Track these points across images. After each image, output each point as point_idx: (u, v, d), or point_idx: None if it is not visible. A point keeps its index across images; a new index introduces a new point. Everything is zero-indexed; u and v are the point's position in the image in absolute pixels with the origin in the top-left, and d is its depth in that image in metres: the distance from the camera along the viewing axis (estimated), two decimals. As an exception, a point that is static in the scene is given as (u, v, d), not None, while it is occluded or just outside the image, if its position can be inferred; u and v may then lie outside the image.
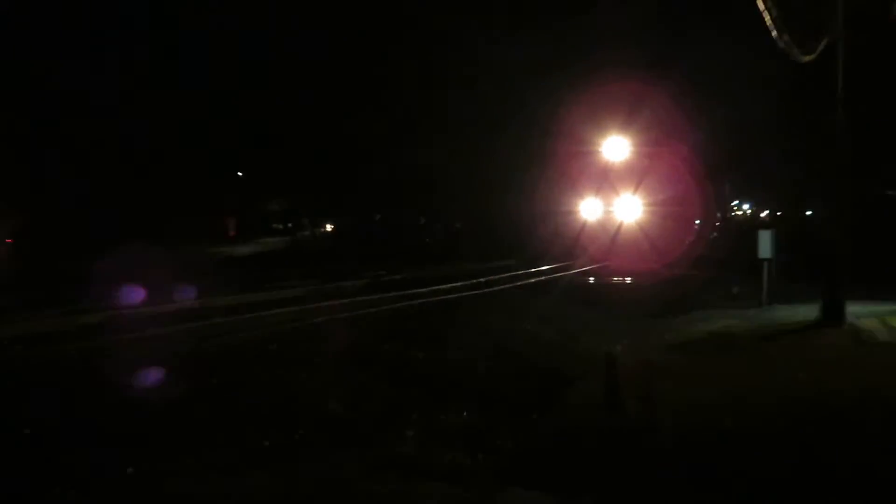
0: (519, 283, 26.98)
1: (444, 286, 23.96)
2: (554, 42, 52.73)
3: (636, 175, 44.16)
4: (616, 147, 43.49)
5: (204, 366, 13.25)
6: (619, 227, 42.64)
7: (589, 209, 45.01)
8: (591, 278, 33.54)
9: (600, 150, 44.09)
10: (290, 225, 69.95)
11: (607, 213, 44.32)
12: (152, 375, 12.35)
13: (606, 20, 47.00)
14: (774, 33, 16.37)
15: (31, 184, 46.28)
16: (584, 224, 44.79)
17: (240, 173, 64.07)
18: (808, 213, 50.52)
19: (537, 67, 49.97)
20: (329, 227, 70.20)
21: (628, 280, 34.09)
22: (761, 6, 15.21)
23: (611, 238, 41.81)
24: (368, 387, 13.26)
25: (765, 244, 23.97)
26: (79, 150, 49.21)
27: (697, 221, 60.73)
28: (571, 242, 41.84)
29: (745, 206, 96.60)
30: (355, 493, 8.55)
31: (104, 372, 12.34)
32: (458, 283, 25.09)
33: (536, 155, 47.80)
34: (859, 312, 19.15)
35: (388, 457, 10.25)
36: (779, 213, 59.42)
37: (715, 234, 59.54)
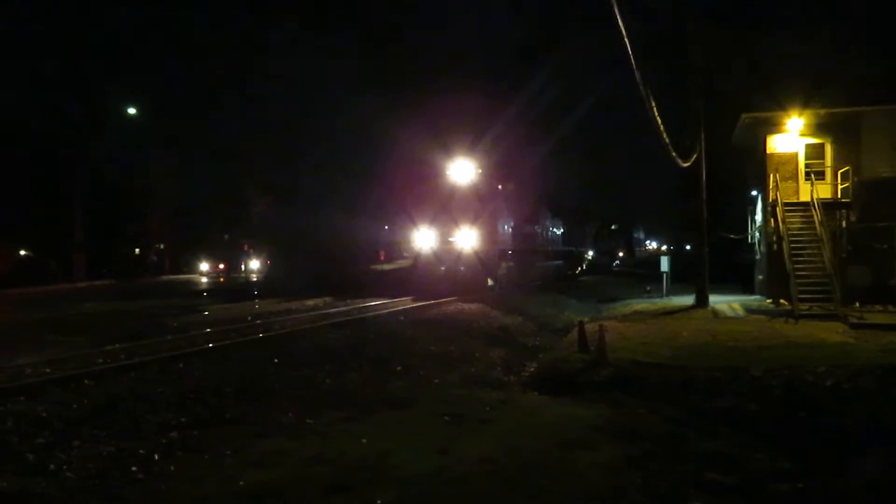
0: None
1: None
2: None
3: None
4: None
5: (373, 324, 13.54)
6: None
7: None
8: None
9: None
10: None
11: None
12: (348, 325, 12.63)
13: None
14: (669, 149, 16.53)
15: (279, 231, 50.30)
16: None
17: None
18: (688, 247, 49.38)
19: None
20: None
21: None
22: (662, 138, 15.34)
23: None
24: (452, 337, 13.02)
25: (664, 263, 23.97)
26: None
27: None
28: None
29: (654, 243, 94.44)
30: (451, 395, 8.59)
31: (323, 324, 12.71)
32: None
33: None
34: (715, 301, 18.94)
35: (465, 375, 10.46)
36: (671, 247, 58.28)
37: (618, 262, 56.86)
